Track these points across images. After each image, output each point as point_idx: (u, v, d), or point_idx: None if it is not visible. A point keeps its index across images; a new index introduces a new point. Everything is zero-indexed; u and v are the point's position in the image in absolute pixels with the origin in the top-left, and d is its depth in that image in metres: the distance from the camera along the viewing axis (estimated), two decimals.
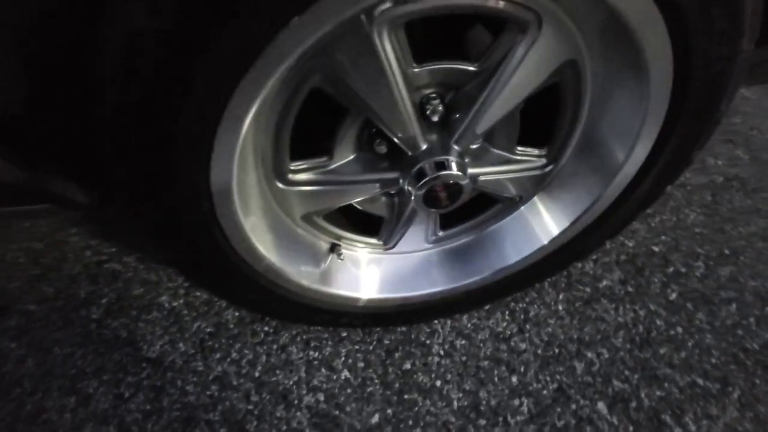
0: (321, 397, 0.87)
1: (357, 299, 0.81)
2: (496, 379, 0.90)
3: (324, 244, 0.81)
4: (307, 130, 0.64)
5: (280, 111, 0.57)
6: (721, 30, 0.46)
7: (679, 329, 1.00)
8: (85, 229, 1.14)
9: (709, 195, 1.32)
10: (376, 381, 0.89)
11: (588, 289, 1.06)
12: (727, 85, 0.54)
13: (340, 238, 0.82)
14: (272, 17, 0.39)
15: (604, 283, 1.08)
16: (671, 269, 1.12)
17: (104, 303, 1.00)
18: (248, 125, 0.49)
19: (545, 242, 0.77)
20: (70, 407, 0.85)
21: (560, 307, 1.02)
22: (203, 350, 0.93)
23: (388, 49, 0.52)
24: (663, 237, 1.19)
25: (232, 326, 0.96)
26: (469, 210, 0.84)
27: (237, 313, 0.98)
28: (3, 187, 0.58)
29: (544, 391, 0.89)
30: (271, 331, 0.96)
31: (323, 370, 0.90)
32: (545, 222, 0.78)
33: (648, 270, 1.11)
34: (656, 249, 1.16)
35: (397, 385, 0.89)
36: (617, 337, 0.98)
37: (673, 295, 1.06)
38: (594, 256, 1.13)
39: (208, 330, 0.96)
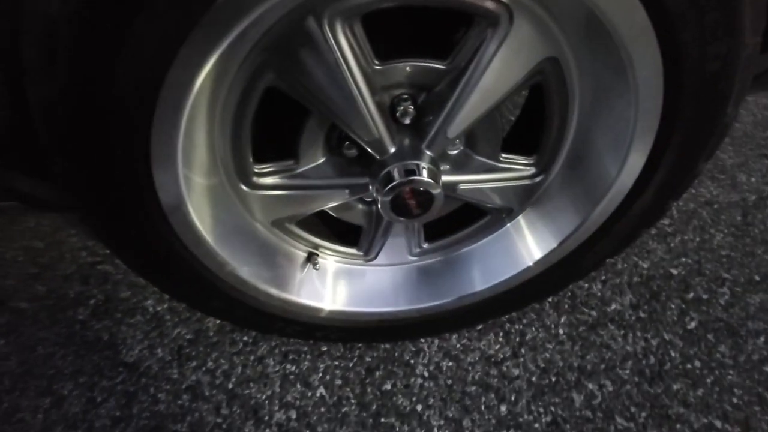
0: (293, 414, 0.82)
1: (321, 310, 0.77)
2: (482, 407, 0.83)
3: (299, 253, 0.77)
4: (273, 132, 0.61)
5: (236, 111, 0.55)
6: (713, 22, 0.40)
7: (697, 363, 0.89)
8: (84, 230, 1.16)
9: (739, 214, 1.20)
10: (353, 401, 0.84)
11: (594, 313, 0.97)
12: (731, 87, 0.47)
13: (317, 247, 0.78)
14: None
15: (613, 306, 0.99)
16: (691, 295, 1.01)
17: (92, 304, 1.01)
18: (186, 125, 0.46)
19: (530, 264, 0.70)
20: (43, 408, 0.84)
21: (561, 331, 0.94)
22: (180, 357, 0.91)
23: (343, 44, 0.49)
24: (684, 259, 1.08)
25: (211, 334, 0.94)
26: (458, 223, 0.79)
27: (218, 321, 0.95)
28: None
29: (536, 424, 0.81)
30: (250, 341, 0.92)
31: (298, 385, 0.86)
32: (530, 241, 0.71)
33: (664, 294, 1.01)
34: (675, 272, 1.06)
35: (374, 406, 0.83)
36: (624, 367, 0.89)
37: (692, 324, 0.96)
38: (603, 277, 1.04)
39: (188, 337, 0.94)
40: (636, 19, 0.41)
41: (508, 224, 0.74)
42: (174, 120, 0.45)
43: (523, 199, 0.72)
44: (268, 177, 0.64)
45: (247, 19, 0.39)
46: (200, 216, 0.59)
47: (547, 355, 0.90)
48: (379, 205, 0.62)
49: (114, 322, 0.97)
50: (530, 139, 0.68)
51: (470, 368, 0.88)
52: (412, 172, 0.59)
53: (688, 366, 0.89)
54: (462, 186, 0.68)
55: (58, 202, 0.65)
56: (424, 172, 0.59)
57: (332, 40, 0.48)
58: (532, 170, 0.70)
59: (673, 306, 0.99)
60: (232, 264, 0.66)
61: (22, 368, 0.90)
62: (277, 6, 0.40)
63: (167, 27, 0.37)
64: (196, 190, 0.57)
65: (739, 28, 0.41)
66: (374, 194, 0.63)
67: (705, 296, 1.01)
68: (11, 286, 1.04)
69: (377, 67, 0.53)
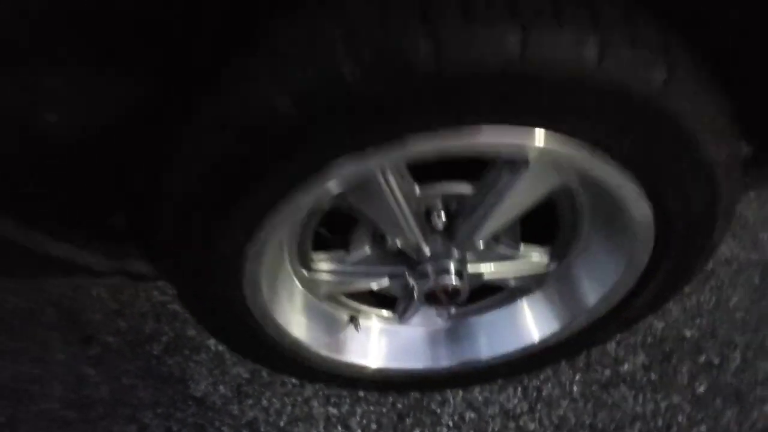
0: None
1: (366, 368, 0.90)
2: None
3: (344, 316, 0.91)
4: (329, 228, 0.76)
5: (304, 224, 0.69)
6: (694, 191, 0.49)
7: (703, 428, 0.96)
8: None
9: (757, 276, 1.25)
10: None
11: (607, 372, 1.06)
12: (713, 225, 0.56)
13: (359, 311, 0.91)
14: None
15: (626, 367, 1.07)
16: (703, 358, 1.08)
17: (164, 341, 1.18)
18: (273, 244, 0.61)
19: (535, 341, 0.81)
20: None
21: (575, 389, 1.03)
22: (239, 395, 1.06)
23: (391, 182, 0.62)
24: (698, 320, 1.14)
25: (264, 374, 1.09)
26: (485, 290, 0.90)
27: None
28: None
29: None
30: (297, 383, 1.06)
31: (339, 427, 0.99)
32: (534, 320, 0.82)
33: (676, 357, 1.08)
34: (688, 334, 1.12)
35: None
36: (633, 428, 0.97)
37: (701, 389, 1.02)
38: (618, 335, 1.12)
39: (245, 376, 1.09)
40: (627, 187, 0.52)
41: (519, 300, 0.85)
42: (266, 239, 0.59)
43: (539, 282, 0.83)
44: (323, 263, 0.79)
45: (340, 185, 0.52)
46: (272, 298, 0.73)
47: (561, 411, 0.99)
48: (414, 295, 0.75)
49: (183, 359, 1.14)
50: (547, 232, 0.79)
51: (490, 420, 0.98)
52: (442, 272, 0.71)
53: (694, 430, 0.96)
54: (486, 276, 0.79)
55: (155, 276, 0.81)
56: (452, 273, 0.71)
57: (383, 180, 0.61)
58: (547, 259, 0.81)
59: (684, 369, 1.06)
60: (290, 330, 0.80)
61: (112, 397, 1.08)
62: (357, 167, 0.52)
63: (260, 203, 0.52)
64: (271, 280, 0.71)
65: (717, 193, 0.51)
66: (410, 283, 0.76)
67: (716, 360, 1.07)
68: (99, 321, 1.23)
69: (416, 192, 0.66)
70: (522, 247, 0.79)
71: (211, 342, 1.17)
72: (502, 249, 0.78)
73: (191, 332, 1.19)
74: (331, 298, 0.86)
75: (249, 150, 0.45)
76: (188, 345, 1.16)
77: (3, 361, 1.15)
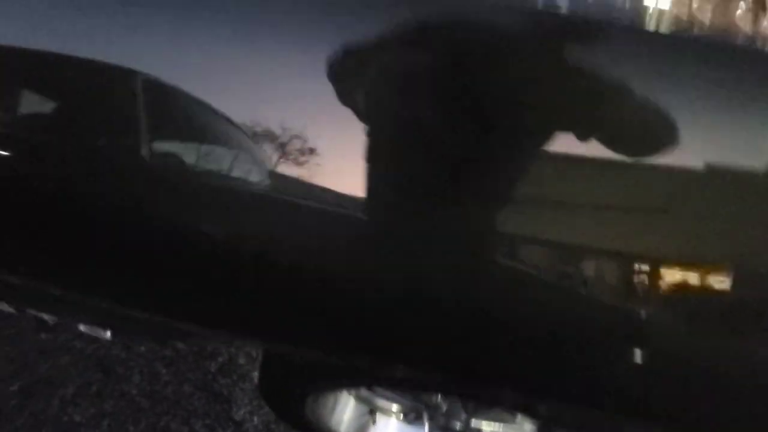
0: None
1: None
2: None
3: (365, 408, 1.15)
4: None
5: None
6: None
7: None
8: None
9: None
10: None
11: None
12: None
13: (378, 408, 1.15)
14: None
15: None
16: None
17: (220, 361, 1.47)
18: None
19: None
20: None
21: None
22: (268, 431, 1.33)
23: None
24: None
25: None
26: None
27: None
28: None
29: None
30: None
31: None
32: None
33: None
34: None
35: None
36: None
37: None
38: None
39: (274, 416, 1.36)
40: None
41: None
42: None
43: None
44: None
45: None
46: (324, 403, 0.98)
47: None
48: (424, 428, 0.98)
49: (232, 382, 1.42)
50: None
51: None
52: (449, 429, 0.93)
53: None
54: (484, 430, 1.01)
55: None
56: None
57: None
58: (535, 430, 1.01)
59: None
60: (327, 421, 1.05)
61: (174, 398, 1.38)
62: None
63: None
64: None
65: None
66: (423, 416, 0.99)
67: None
68: None
69: None
70: (519, 416, 1.00)
71: (255, 375, 1.45)
72: (501, 413, 0.99)
73: (242, 360, 1.48)
74: (360, 398, 1.10)
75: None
76: (237, 371, 1.45)
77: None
